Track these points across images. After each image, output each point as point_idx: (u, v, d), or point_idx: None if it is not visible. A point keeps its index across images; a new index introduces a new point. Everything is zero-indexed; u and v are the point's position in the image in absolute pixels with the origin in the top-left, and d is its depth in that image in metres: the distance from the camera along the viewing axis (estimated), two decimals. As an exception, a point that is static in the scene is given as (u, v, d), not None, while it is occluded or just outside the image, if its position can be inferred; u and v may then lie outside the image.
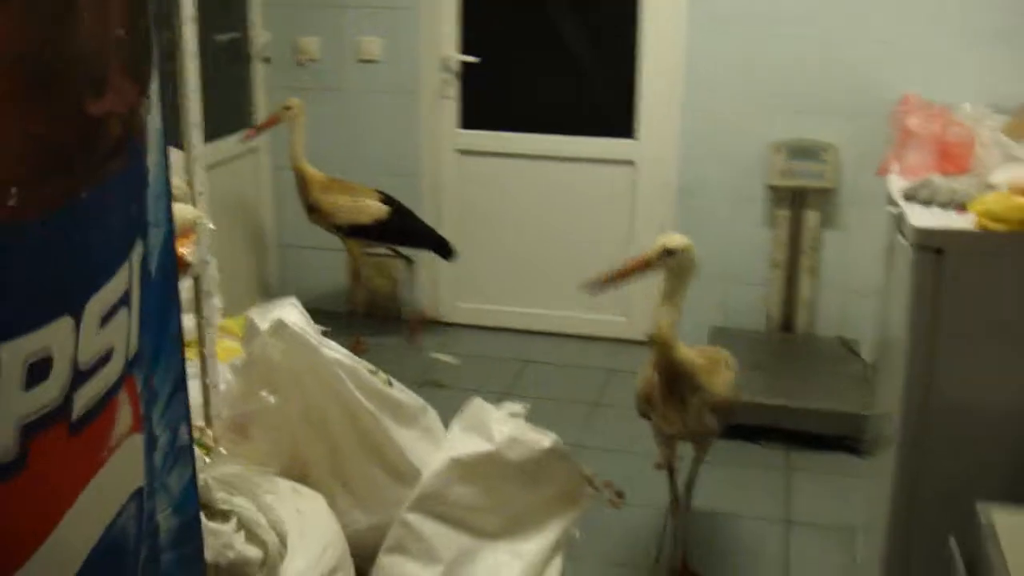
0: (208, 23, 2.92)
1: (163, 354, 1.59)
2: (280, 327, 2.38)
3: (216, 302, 2.59)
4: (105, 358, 1.41)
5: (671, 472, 3.10)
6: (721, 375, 2.93)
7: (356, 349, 2.92)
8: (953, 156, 2.67)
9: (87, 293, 1.36)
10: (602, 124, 4.95)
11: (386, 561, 2.50)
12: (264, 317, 2.40)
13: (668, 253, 2.71)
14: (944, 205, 2.43)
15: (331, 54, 5.08)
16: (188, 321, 2.24)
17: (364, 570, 2.53)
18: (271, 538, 1.99)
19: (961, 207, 2.39)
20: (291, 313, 2.42)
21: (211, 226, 2.36)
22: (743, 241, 4.73)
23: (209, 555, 1.90)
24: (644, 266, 2.77)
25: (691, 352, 2.88)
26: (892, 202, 2.66)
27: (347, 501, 2.47)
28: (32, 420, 1.26)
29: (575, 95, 5.09)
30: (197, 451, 1.94)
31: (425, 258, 5.11)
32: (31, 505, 1.31)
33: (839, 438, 3.98)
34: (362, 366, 2.52)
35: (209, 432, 2.44)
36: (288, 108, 4.60)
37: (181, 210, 2.07)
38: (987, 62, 4.15)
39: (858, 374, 4.31)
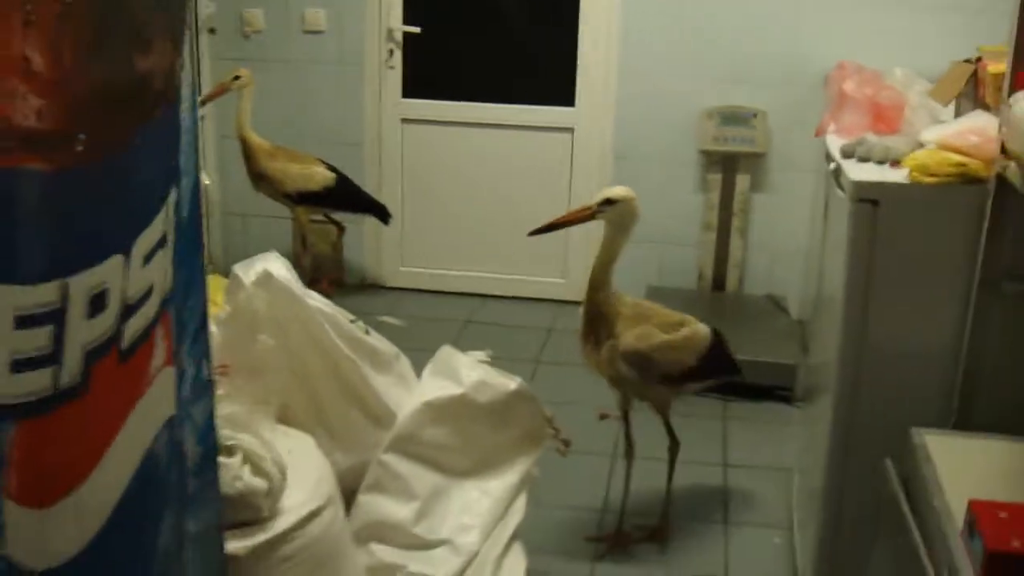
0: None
1: (191, 293, 1.72)
2: (266, 278, 2.48)
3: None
4: (147, 294, 1.54)
5: (625, 419, 3.29)
6: (639, 329, 3.06)
7: (325, 292, 3.05)
8: (886, 117, 2.87)
9: (135, 233, 1.49)
10: (543, 93, 5.08)
11: (365, 499, 2.63)
12: (248, 271, 2.51)
13: (609, 202, 2.91)
14: (879, 161, 2.63)
15: (276, 25, 5.11)
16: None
17: (344, 508, 2.65)
18: (274, 471, 2.12)
19: (895, 162, 2.59)
20: (276, 265, 2.54)
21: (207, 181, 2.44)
22: (677, 204, 4.90)
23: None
24: (587, 214, 2.99)
25: (623, 299, 3.07)
26: (830, 159, 2.86)
27: (328, 444, 2.58)
28: (93, 347, 1.40)
29: (517, 65, 5.20)
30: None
31: (369, 224, 5.21)
32: (91, 427, 1.44)
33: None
34: (342, 315, 2.65)
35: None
36: (237, 78, 4.63)
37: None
38: (914, 31, 4.39)
39: (787, 328, 4.56)
